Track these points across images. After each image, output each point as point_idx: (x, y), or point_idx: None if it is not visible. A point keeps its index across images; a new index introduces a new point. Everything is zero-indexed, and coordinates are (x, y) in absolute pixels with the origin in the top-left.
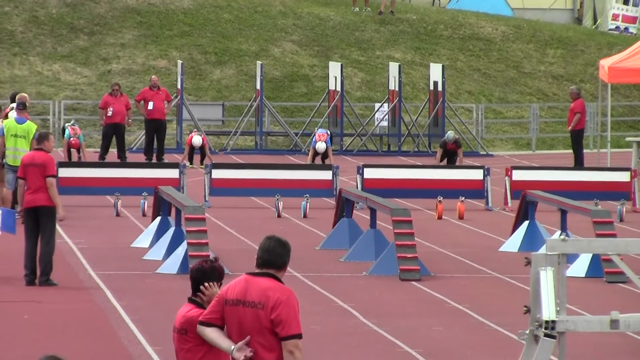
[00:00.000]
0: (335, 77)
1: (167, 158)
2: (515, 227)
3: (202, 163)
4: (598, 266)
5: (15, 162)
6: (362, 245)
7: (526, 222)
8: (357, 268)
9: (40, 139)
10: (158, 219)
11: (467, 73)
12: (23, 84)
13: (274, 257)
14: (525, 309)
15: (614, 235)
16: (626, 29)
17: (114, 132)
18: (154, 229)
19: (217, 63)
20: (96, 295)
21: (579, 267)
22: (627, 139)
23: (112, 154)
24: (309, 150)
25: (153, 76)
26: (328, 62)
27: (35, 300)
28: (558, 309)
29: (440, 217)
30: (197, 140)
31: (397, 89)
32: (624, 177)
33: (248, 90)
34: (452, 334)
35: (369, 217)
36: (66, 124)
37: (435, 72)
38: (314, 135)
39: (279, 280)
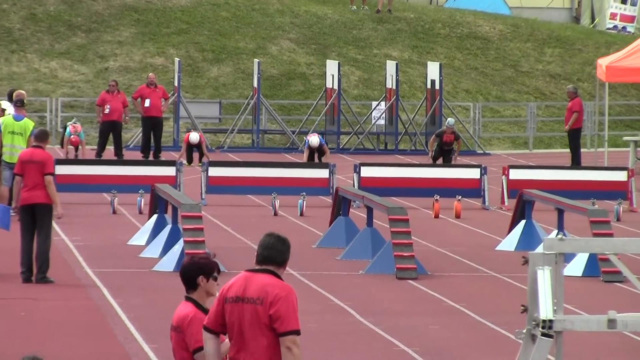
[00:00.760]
0: (333, 75)
1: (164, 156)
2: (512, 226)
3: (200, 161)
4: (595, 265)
5: (12, 159)
6: (359, 243)
7: (523, 221)
8: (354, 266)
9: (42, 137)
10: (155, 216)
11: (464, 72)
12: (20, 81)
13: (274, 253)
14: (522, 308)
15: (611, 235)
16: (624, 28)
17: (110, 130)
18: (150, 226)
19: (214, 61)
20: (93, 293)
21: (576, 267)
22: (625, 138)
23: (109, 151)
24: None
25: (150, 74)
26: (325, 60)
27: (32, 298)
28: (555, 308)
29: (437, 216)
30: (194, 136)
31: (394, 87)
32: (621, 176)
33: (245, 88)
34: (449, 333)
35: (365, 216)
36: (68, 123)
37: (433, 70)
38: (307, 139)
39: (278, 277)
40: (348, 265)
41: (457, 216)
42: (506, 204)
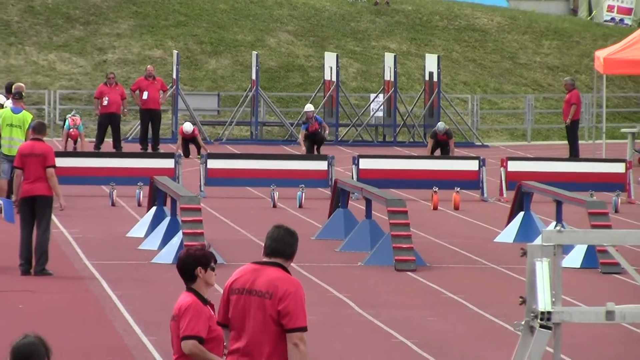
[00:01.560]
0: (331, 68)
1: (162, 148)
2: (511, 218)
3: (198, 153)
4: (593, 257)
5: (11, 151)
6: (358, 235)
7: (521, 213)
8: (353, 258)
9: (40, 129)
10: (153, 208)
11: (462, 64)
12: (19, 73)
13: (282, 246)
14: (520, 299)
15: (609, 227)
16: (621, 20)
17: (109, 122)
18: (149, 218)
19: (212, 53)
20: (91, 285)
21: (574, 258)
22: (622, 130)
23: (108, 143)
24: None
25: (148, 66)
26: (324, 52)
27: (31, 290)
28: (554, 299)
29: (435, 208)
30: (187, 126)
31: (392, 79)
32: (619, 168)
33: (243, 81)
34: (448, 325)
35: (364, 208)
36: (67, 115)
37: (431, 62)
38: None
39: (286, 270)
40: (347, 257)
41: (456, 208)
42: (504, 195)
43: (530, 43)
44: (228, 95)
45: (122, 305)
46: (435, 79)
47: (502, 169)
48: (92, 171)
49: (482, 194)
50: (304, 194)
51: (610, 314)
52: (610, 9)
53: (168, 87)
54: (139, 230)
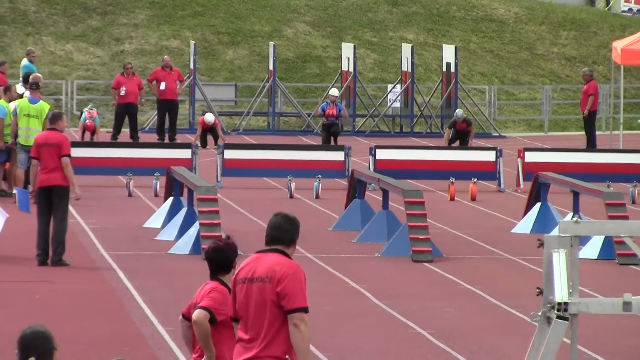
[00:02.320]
0: (348, 58)
1: (179, 138)
2: (528, 208)
3: (216, 144)
4: (610, 248)
5: (28, 141)
6: (375, 226)
7: (538, 204)
8: (370, 249)
9: (54, 119)
10: (170, 199)
11: (479, 54)
12: (36, 63)
13: (281, 233)
14: (537, 290)
15: (626, 217)
16: (639, 10)
17: (126, 112)
18: (166, 209)
19: (230, 43)
20: (108, 276)
21: (591, 249)
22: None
23: (125, 133)
24: (320, 120)
25: (165, 56)
26: (341, 43)
27: (47, 280)
28: (570, 291)
29: (452, 199)
30: (209, 116)
31: (409, 70)
32: (636, 159)
33: (261, 71)
34: (464, 316)
35: (381, 199)
36: (84, 108)
37: (448, 53)
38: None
39: (287, 255)
40: (363, 247)
41: (473, 199)
42: (521, 186)
43: (547, 34)
44: (245, 86)
45: (138, 296)
46: (452, 69)
47: (519, 159)
48: (109, 161)
49: (499, 184)
50: (320, 184)
51: (627, 305)
52: None
53: (185, 78)
54: (155, 220)
